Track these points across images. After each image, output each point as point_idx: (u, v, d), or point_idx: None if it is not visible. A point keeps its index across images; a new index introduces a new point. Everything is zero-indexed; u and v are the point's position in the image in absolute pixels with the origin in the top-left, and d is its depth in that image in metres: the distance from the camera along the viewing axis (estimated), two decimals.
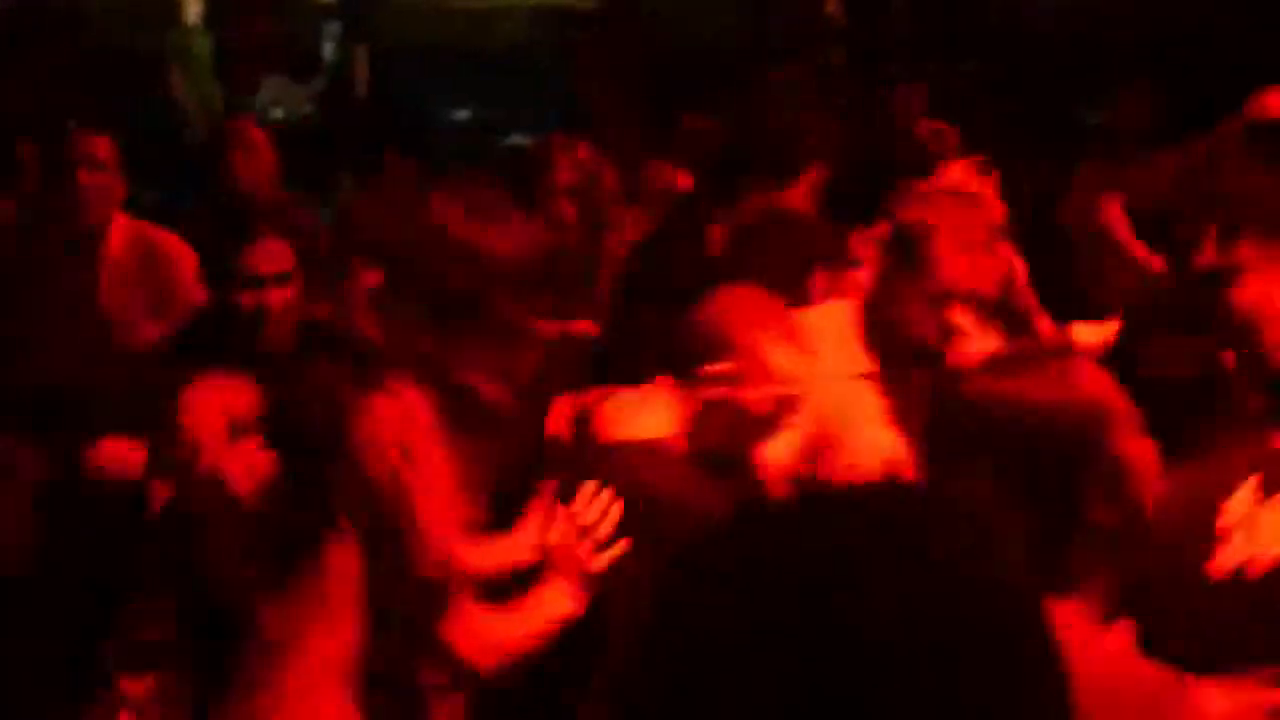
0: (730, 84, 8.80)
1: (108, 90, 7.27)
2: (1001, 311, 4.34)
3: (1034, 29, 9.47)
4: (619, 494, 3.42)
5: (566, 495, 3.45)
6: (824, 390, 3.81)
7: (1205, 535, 2.95)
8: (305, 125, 8.60)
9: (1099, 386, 2.43)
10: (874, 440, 4.09)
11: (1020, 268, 5.56)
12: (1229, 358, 3.33)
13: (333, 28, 9.56)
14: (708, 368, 3.55)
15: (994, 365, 2.50)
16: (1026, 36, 9.36)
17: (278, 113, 8.82)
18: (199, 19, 9.38)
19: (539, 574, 3.43)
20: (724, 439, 3.56)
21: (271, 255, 4.99)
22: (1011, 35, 9.41)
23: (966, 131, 7.94)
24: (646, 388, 3.70)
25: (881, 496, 1.36)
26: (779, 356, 3.57)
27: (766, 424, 3.56)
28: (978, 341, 3.94)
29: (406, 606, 3.22)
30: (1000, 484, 2.35)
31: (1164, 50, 8.19)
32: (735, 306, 3.63)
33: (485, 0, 10.54)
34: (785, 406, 3.55)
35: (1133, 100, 7.51)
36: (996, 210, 6.17)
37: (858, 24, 9.87)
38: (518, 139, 8.82)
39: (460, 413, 3.38)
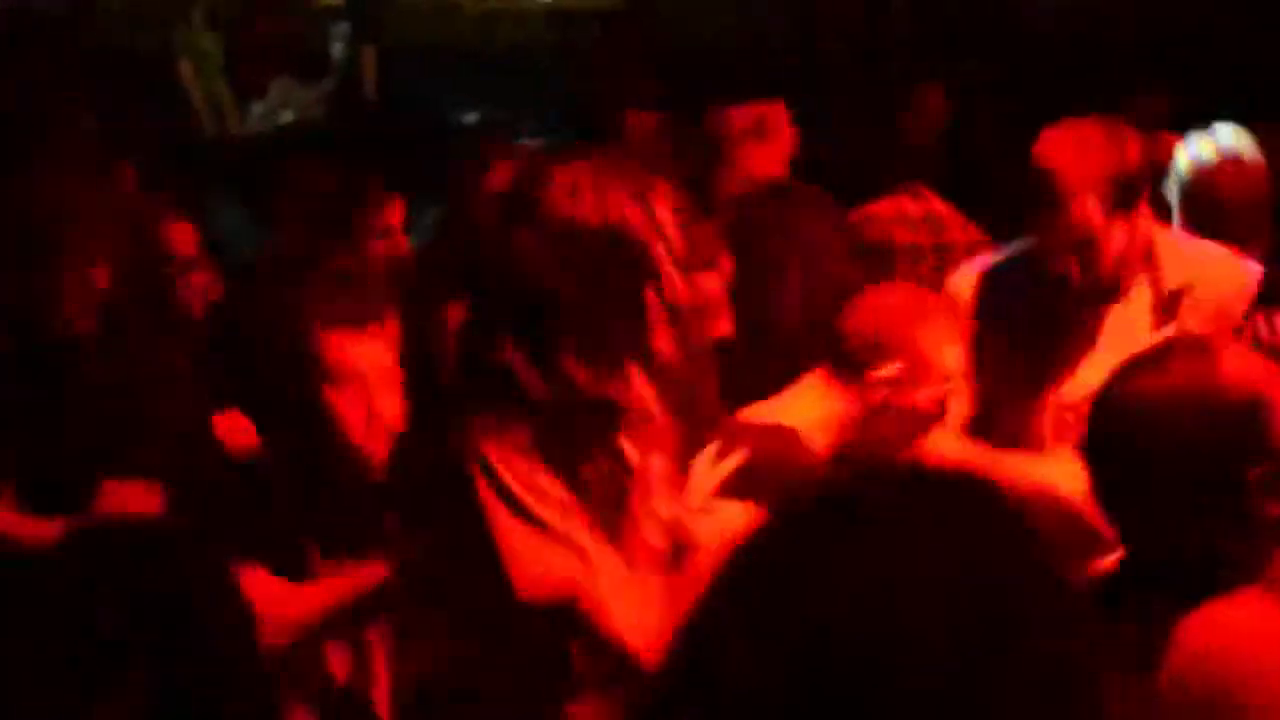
0: (730, 84, 8.80)
1: (113, 88, 7.28)
2: None
3: (1034, 29, 9.48)
4: (749, 472, 3.37)
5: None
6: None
7: None
8: (314, 128, 8.59)
9: (1253, 374, 2.40)
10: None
11: None
12: None
13: (341, 28, 9.53)
14: (877, 370, 3.53)
15: (1146, 363, 2.47)
16: (1027, 36, 9.37)
17: (287, 115, 8.81)
18: (206, 18, 9.35)
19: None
20: (890, 440, 3.56)
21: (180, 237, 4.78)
22: (1011, 35, 9.42)
23: (967, 131, 7.96)
24: (798, 387, 3.68)
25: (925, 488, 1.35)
26: (944, 353, 3.58)
27: (932, 422, 3.57)
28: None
29: None
30: (1163, 482, 2.33)
31: (1164, 50, 8.19)
32: (899, 305, 3.62)
33: (497, 1, 10.53)
34: (948, 403, 3.56)
35: (1142, 103, 7.51)
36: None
37: (858, 23, 9.87)
38: (528, 141, 8.81)
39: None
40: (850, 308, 3.68)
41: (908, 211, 6.39)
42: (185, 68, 8.93)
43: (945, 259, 6.23)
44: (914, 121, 7.72)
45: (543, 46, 9.92)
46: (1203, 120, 7.14)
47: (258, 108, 8.91)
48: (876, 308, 3.64)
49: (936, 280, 6.29)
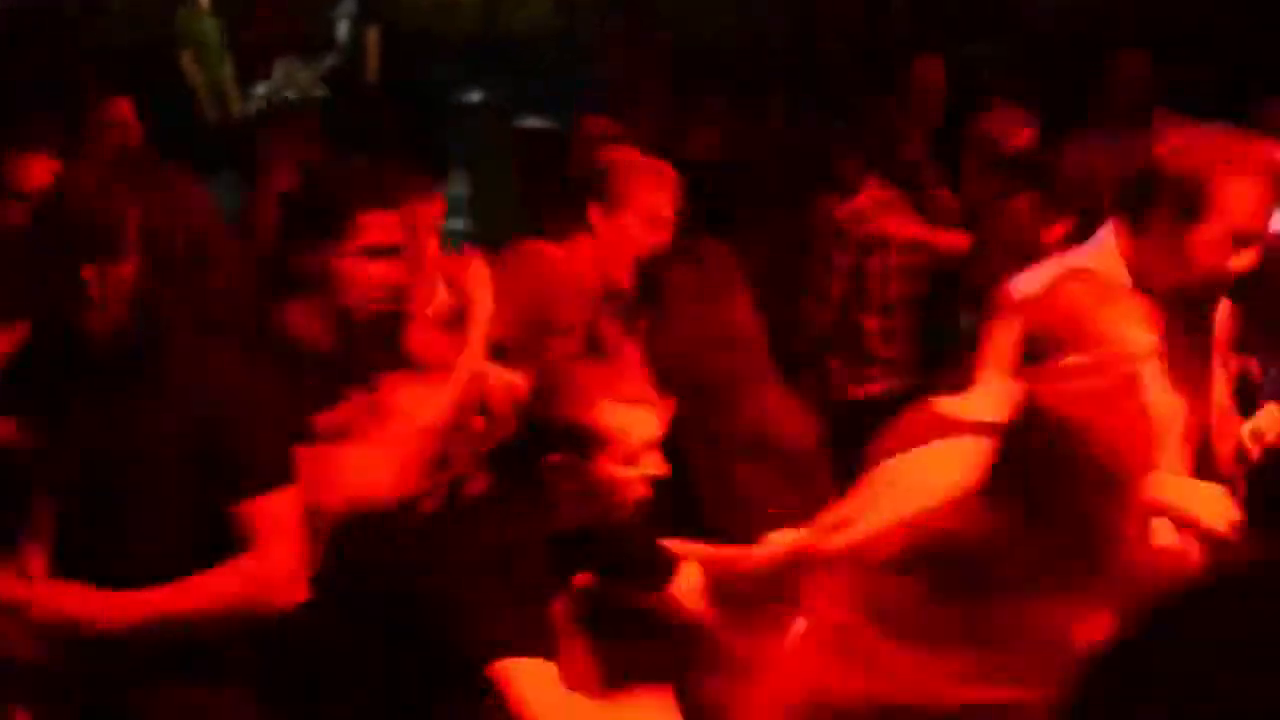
0: (730, 84, 8.82)
1: (118, 80, 7.28)
2: None
3: (1034, 29, 9.50)
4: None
5: None
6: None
7: None
8: (317, 109, 8.58)
9: None
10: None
11: None
12: None
13: (346, 7, 9.52)
14: (1068, 361, 3.53)
15: None
16: (1027, 36, 9.40)
17: (290, 94, 8.81)
18: (208, 2, 9.34)
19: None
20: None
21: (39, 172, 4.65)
22: (1012, 35, 9.44)
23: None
24: (980, 383, 3.71)
25: None
26: (1135, 333, 3.58)
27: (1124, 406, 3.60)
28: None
29: None
30: None
31: (1164, 50, 8.21)
32: (1084, 293, 3.62)
33: None
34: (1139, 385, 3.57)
35: (1126, 68, 7.56)
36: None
37: (858, 23, 9.89)
38: (531, 122, 8.82)
39: None
40: (1032, 301, 3.68)
41: (881, 199, 6.52)
42: (186, 53, 8.93)
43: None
44: (914, 104, 7.74)
45: (547, 32, 9.92)
46: (1201, 117, 7.16)
47: (261, 89, 8.91)
48: (1060, 297, 3.64)
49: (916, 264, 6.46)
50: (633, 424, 3.55)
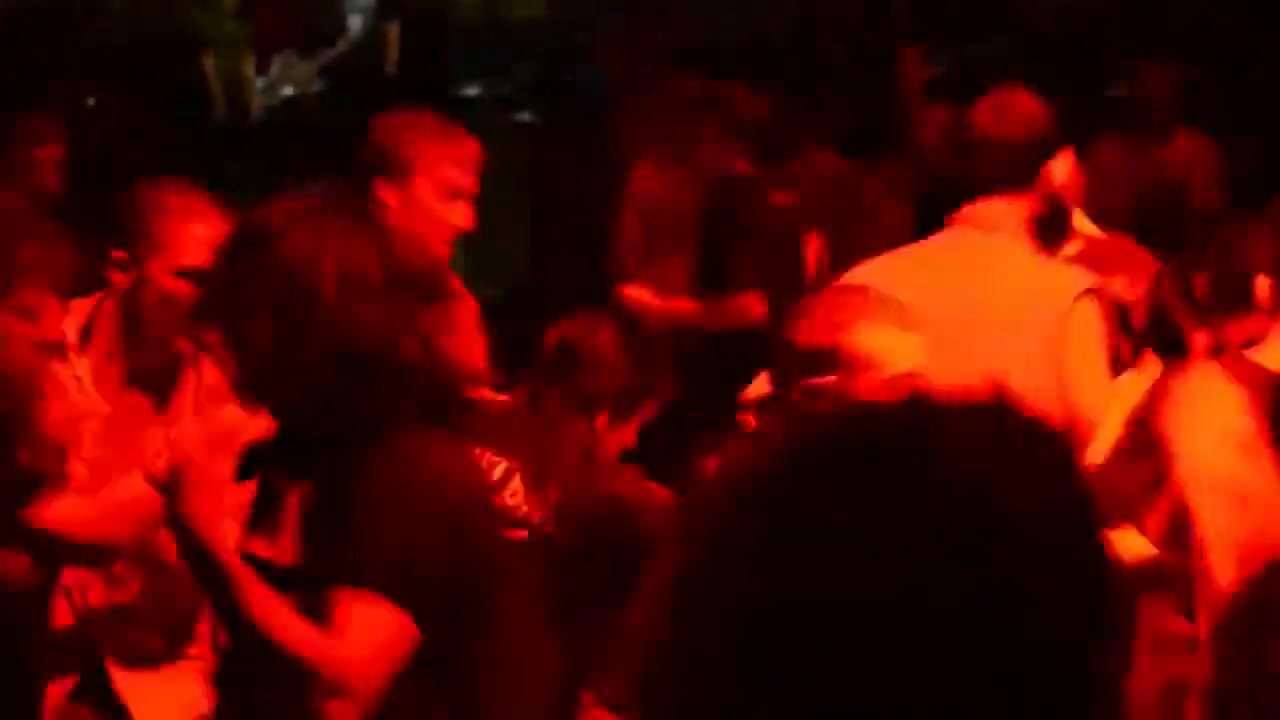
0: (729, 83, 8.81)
1: (134, 76, 7.31)
2: None
3: (1034, 29, 9.52)
4: None
5: None
6: None
7: None
8: (315, 104, 8.56)
9: None
10: None
11: None
12: None
13: (361, 1, 9.45)
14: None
15: None
16: (1027, 37, 9.41)
17: (286, 89, 8.79)
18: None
19: None
20: None
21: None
22: (1012, 35, 9.46)
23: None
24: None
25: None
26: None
27: None
28: None
29: None
30: None
31: (1165, 50, 8.22)
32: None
33: None
34: None
35: (1154, 74, 7.57)
36: None
37: (858, 23, 9.90)
38: (526, 116, 8.82)
39: None
40: None
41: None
42: (207, 55, 8.92)
43: None
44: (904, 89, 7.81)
45: (546, 27, 9.91)
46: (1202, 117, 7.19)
47: (259, 83, 8.90)
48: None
49: None
50: (894, 348, 3.38)
